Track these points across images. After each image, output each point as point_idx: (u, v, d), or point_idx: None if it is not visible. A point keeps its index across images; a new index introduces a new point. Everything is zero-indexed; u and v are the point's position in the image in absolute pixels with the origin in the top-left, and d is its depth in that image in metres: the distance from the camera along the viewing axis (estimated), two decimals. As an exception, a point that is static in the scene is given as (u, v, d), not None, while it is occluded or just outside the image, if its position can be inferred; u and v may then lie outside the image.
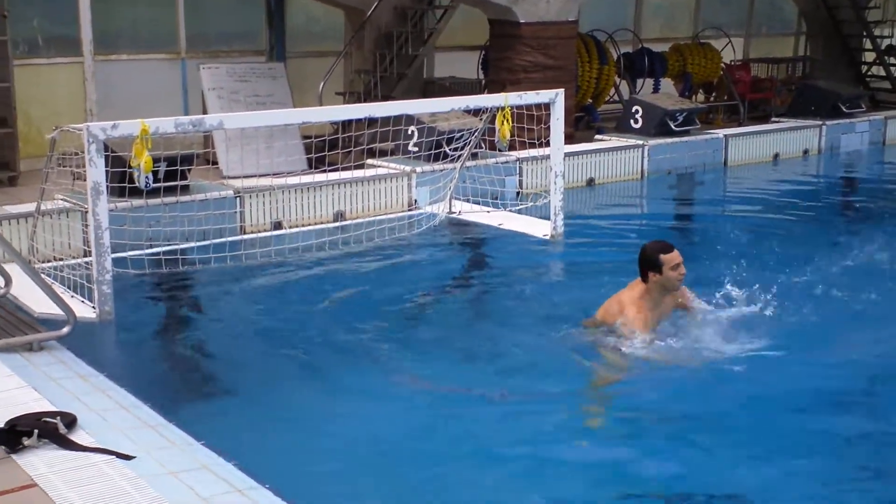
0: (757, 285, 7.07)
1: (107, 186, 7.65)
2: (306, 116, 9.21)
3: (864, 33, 19.07)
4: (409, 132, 11.10)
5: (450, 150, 10.58)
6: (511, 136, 9.14)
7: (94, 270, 6.83)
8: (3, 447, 4.41)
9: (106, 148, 8.06)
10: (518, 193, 11.18)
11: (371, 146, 10.53)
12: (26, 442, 4.43)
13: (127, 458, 4.39)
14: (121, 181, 8.41)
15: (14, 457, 4.36)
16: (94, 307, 6.85)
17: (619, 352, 6.29)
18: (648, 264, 6.47)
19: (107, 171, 7.82)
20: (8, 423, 4.54)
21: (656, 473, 5.01)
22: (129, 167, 7.44)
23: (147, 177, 7.39)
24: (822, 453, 5.28)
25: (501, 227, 9.88)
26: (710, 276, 7.73)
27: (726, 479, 4.96)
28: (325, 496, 4.54)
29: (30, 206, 8.28)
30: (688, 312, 6.80)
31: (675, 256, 6.45)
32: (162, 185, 8.67)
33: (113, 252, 7.77)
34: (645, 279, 6.50)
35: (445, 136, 10.75)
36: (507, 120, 8.89)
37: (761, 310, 6.86)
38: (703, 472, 5.03)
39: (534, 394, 5.93)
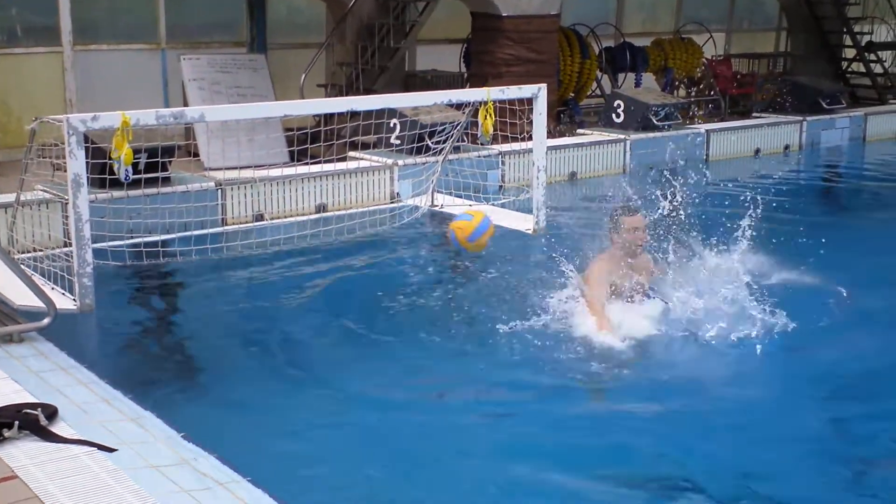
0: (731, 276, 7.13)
1: (87, 178, 7.61)
2: (288, 109, 9.14)
3: (845, 29, 19.16)
4: (392, 125, 11.09)
5: (432, 143, 10.56)
6: (494, 131, 9.13)
7: (75, 262, 6.77)
8: (-17, 439, 4.38)
9: (86, 139, 8.02)
10: (500, 187, 11.18)
11: (353, 139, 10.50)
12: (6, 433, 4.40)
13: (108, 450, 4.36)
14: (101, 173, 8.35)
15: (-6, 449, 4.33)
16: (74, 299, 6.80)
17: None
18: (611, 224, 6.59)
19: (87, 163, 7.78)
20: (-12, 414, 4.51)
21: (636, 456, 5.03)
22: (110, 159, 7.38)
23: (127, 169, 7.33)
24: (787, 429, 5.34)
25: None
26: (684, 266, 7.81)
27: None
28: (306, 488, 4.52)
29: (9, 197, 8.21)
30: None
31: (634, 220, 6.51)
32: (143, 176, 8.61)
33: (93, 243, 7.74)
34: (611, 241, 6.60)
35: (428, 130, 10.74)
36: (490, 115, 8.87)
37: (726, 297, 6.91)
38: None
39: (518, 387, 5.94)
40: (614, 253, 6.56)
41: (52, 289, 6.80)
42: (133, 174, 8.43)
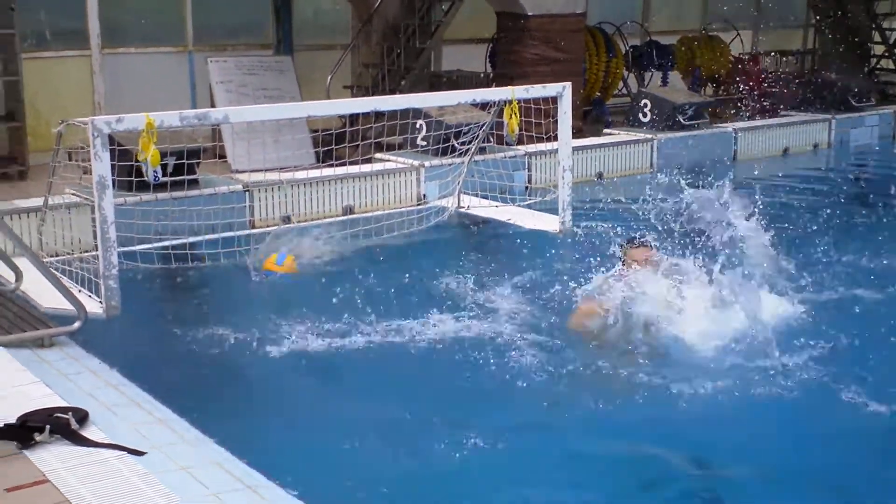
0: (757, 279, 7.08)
1: (114, 180, 7.66)
2: (310, 110, 9.17)
3: (873, 26, 18.98)
4: (418, 126, 11.08)
5: (458, 144, 10.55)
6: (519, 130, 9.11)
7: (101, 265, 6.81)
8: (15, 443, 4.42)
9: (113, 142, 8.08)
10: (527, 188, 11.15)
11: (379, 140, 10.51)
12: (38, 437, 4.44)
13: (138, 453, 4.39)
14: (129, 175, 8.39)
15: (26, 452, 4.37)
16: (100, 302, 6.85)
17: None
18: (621, 253, 6.72)
19: (114, 165, 7.82)
20: (20, 418, 4.55)
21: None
22: (137, 161, 7.42)
23: (155, 170, 7.38)
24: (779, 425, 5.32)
25: (510, 221, 9.85)
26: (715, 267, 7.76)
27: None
28: (335, 494, 4.52)
29: (39, 201, 8.28)
30: None
31: (636, 253, 6.63)
32: (170, 179, 8.65)
33: (121, 246, 7.79)
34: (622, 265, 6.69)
35: (454, 130, 10.72)
36: (515, 114, 8.85)
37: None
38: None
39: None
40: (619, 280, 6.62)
41: (79, 291, 6.86)
42: (161, 176, 8.48)
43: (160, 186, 8.61)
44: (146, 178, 8.21)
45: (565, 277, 7.27)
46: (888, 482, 4.87)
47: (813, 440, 5.28)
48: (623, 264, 6.69)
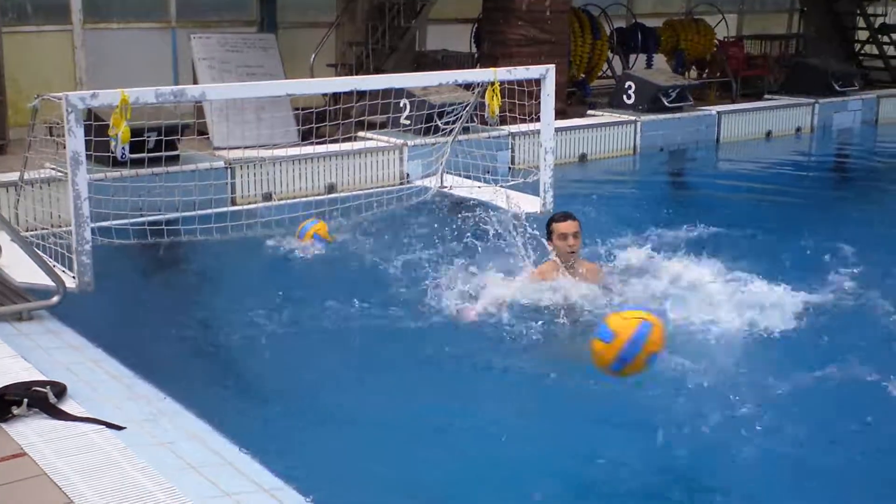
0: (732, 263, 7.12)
1: (94, 155, 7.60)
2: (291, 88, 9.10)
3: (858, 11, 19.03)
4: (401, 105, 11.06)
5: (442, 123, 10.53)
6: (501, 112, 9.09)
7: (74, 240, 6.74)
8: (-7, 416, 4.40)
9: (95, 117, 8.04)
10: (510, 168, 11.14)
11: (362, 119, 10.49)
12: (16, 411, 4.42)
13: (117, 428, 4.38)
14: (108, 150, 8.33)
15: (3, 425, 4.35)
16: (73, 277, 6.81)
17: None
18: (546, 231, 6.58)
19: (95, 140, 7.78)
20: (-3, 391, 4.53)
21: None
22: (107, 136, 7.36)
23: (124, 147, 7.30)
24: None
25: (491, 202, 9.84)
26: (698, 251, 7.78)
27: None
28: (315, 468, 4.53)
29: (17, 175, 8.21)
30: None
31: (565, 226, 6.46)
32: (151, 154, 8.61)
33: (100, 221, 7.75)
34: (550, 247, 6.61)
35: (437, 110, 10.70)
36: (497, 95, 8.82)
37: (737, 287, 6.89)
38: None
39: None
40: (555, 259, 6.55)
41: (53, 266, 6.81)
42: (142, 152, 8.43)
43: (140, 162, 8.55)
44: (115, 154, 8.14)
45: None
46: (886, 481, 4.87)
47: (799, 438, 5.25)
48: (550, 241, 6.54)
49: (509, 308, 6.41)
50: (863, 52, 19.29)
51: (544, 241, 6.71)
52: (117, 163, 8.50)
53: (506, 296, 6.50)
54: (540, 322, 6.25)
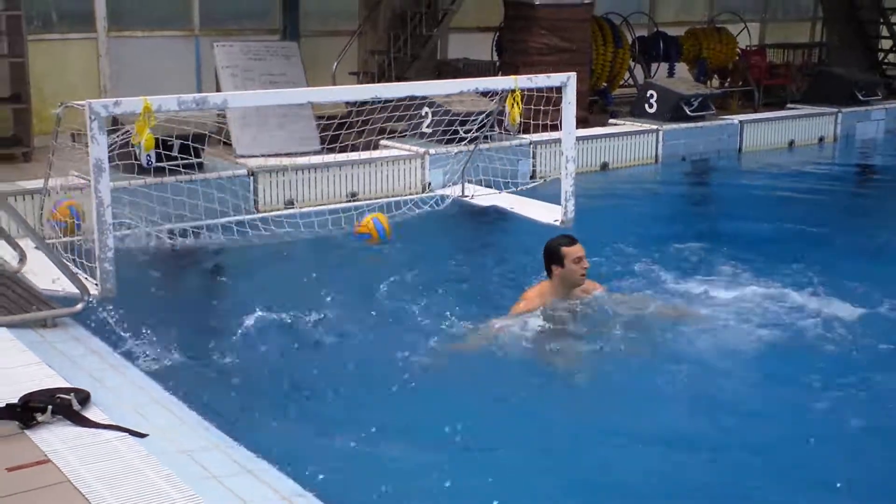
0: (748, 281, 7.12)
1: (120, 164, 7.67)
2: (312, 96, 9.14)
3: (881, 20, 18.92)
4: (423, 113, 11.08)
5: (463, 132, 10.55)
6: (522, 119, 9.09)
7: (97, 247, 6.80)
8: (17, 423, 4.43)
9: (119, 124, 8.09)
10: (531, 177, 11.14)
11: (384, 127, 10.51)
12: (40, 418, 4.46)
13: (140, 435, 4.41)
14: (135, 159, 8.41)
15: (28, 432, 4.39)
16: (96, 283, 6.86)
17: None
18: (551, 258, 6.45)
19: (120, 150, 7.84)
20: (22, 398, 4.57)
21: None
22: (132, 145, 7.41)
23: (148, 155, 7.35)
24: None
25: (512, 210, 9.85)
26: (718, 262, 7.76)
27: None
28: (336, 479, 4.53)
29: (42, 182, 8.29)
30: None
31: (576, 250, 6.41)
32: (174, 163, 8.66)
33: (125, 229, 7.81)
34: (549, 274, 6.49)
35: (459, 119, 10.72)
36: (518, 103, 8.83)
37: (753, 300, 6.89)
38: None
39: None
40: (553, 283, 6.50)
41: (77, 273, 6.87)
42: (167, 160, 8.49)
43: (161, 171, 8.60)
44: (140, 162, 8.19)
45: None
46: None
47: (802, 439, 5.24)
48: (559, 266, 6.44)
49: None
50: (886, 60, 19.17)
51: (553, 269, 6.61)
52: (140, 170, 8.56)
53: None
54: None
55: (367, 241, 8.75)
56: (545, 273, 6.59)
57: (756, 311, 6.71)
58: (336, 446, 4.92)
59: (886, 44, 19.13)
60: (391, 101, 9.66)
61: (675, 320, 6.60)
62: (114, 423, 4.50)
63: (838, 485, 4.69)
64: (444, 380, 5.92)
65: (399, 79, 13.17)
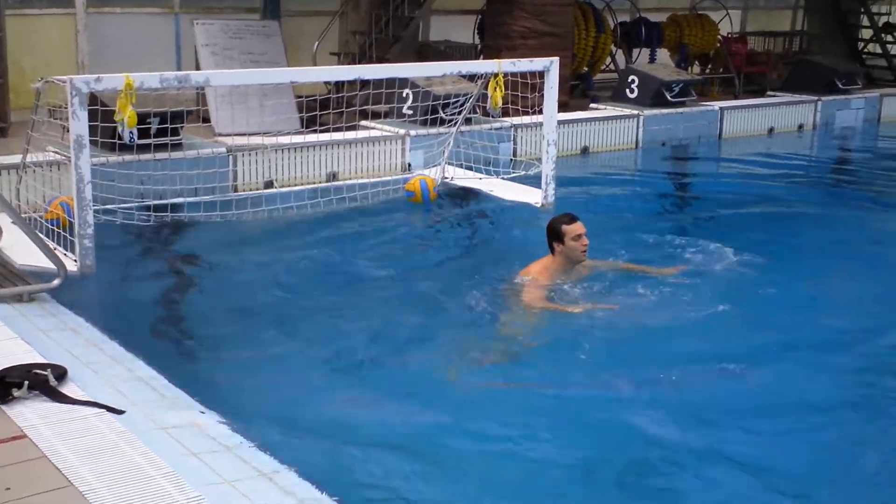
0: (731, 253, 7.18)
1: (97, 140, 7.61)
2: (293, 76, 9.11)
3: (862, 10, 19.00)
4: (405, 95, 11.04)
5: (445, 114, 10.52)
6: (504, 104, 9.09)
7: (76, 224, 6.77)
8: (-7, 398, 4.40)
9: (98, 102, 8.02)
10: (512, 160, 11.14)
11: (365, 108, 10.47)
12: (16, 393, 4.42)
13: (117, 412, 4.37)
14: (112, 136, 8.34)
15: (4, 408, 4.35)
16: (75, 260, 6.82)
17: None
18: (552, 235, 6.64)
19: (98, 126, 7.77)
20: (-3, 373, 4.52)
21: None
22: (113, 121, 7.35)
23: (131, 132, 7.30)
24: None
25: (492, 193, 9.85)
26: (695, 245, 7.79)
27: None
28: (317, 456, 4.53)
29: (20, 157, 8.20)
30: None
31: (577, 227, 6.59)
32: (153, 140, 8.60)
33: (102, 205, 7.75)
34: (552, 250, 6.65)
35: (441, 101, 10.69)
36: (500, 87, 8.82)
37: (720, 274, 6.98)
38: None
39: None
40: (556, 259, 6.61)
41: (54, 249, 6.82)
42: (137, 139, 8.41)
43: (143, 148, 8.54)
44: (122, 139, 8.13)
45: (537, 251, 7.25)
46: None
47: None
48: (560, 244, 6.58)
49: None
50: (866, 50, 19.26)
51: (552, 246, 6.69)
52: (120, 148, 8.49)
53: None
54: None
55: (411, 198, 9.47)
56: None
57: (728, 293, 6.75)
58: (318, 423, 4.92)
59: (867, 33, 19.22)
60: (371, 81, 9.62)
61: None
62: (91, 399, 4.46)
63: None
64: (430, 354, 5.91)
65: (380, 60, 13.11)
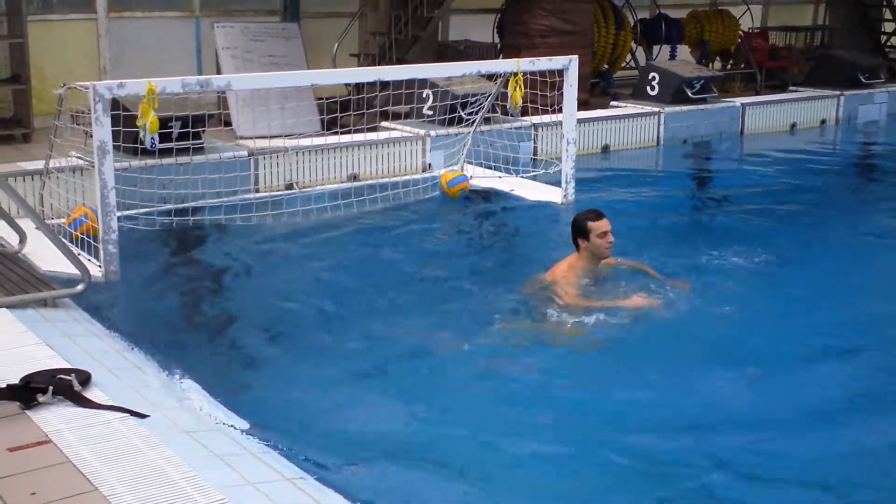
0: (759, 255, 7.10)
1: (119, 145, 7.65)
2: (314, 79, 9.13)
3: (885, 3, 18.84)
4: (424, 95, 11.04)
5: (465, 114, 10.52)
6: (523, 103, 9.08)
7: (101, 229, 6.82)
8: (18, 403, 4.43)
9: (119, 106, 8.07)
10: (532, 159, 11.12)
11: (385, 109, 10.48)
12: (41, 398, 4.45)
13: (141, 416, 4.40)
14: (134, 141, 8.38)
15: (29, 413, 4.38)
16: (99, 266, 6.86)
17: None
18: (578, 231, 6.62)
19: (120, 131, 7.81)
20: (23, 379, 4.56)
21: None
22: (135, 126, 7.40)
23: (153, 137, 7.36)
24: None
25: (513, 192, 9.84)
26: (718, 245, 7.75)
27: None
28: (342, 460, 4.54)
29: (42, 163, 8.26)
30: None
31: (602, 224, 6.54)
32: (175, 145, 8.64)
33: (125, 210, 7.79)
34: (577, 247, 6.64)
35: (460, 100, 10.68)
36: (520, 86, 8.81)
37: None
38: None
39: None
40: (581, 256, 6.61)
41: (79, 255, 6.87)
42: (159, 143, 8.45)
43: (165, 152, 8.59)
44: (144, 144, 8.19)
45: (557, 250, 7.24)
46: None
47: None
48: (584, 240, 6.56)
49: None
50: (889, 43, 19.10)
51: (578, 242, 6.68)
52: (142, 152, 8.54)
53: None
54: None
55: (460, 185, 9.75)
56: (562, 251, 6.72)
57: (751, 291, 6.72)
58: (343, 429, 4.93)
59: (890, 27, 19.06)
60: (392, 82, 9.62)
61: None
62: (115, 404, 4.49)
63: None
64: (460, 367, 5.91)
65: (400, 60, 13.13)
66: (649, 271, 7.02)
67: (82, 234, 7.38)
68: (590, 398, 5.38)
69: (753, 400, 5.35)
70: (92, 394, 4.60)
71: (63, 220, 7.68)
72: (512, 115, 10.50)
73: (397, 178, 10.00)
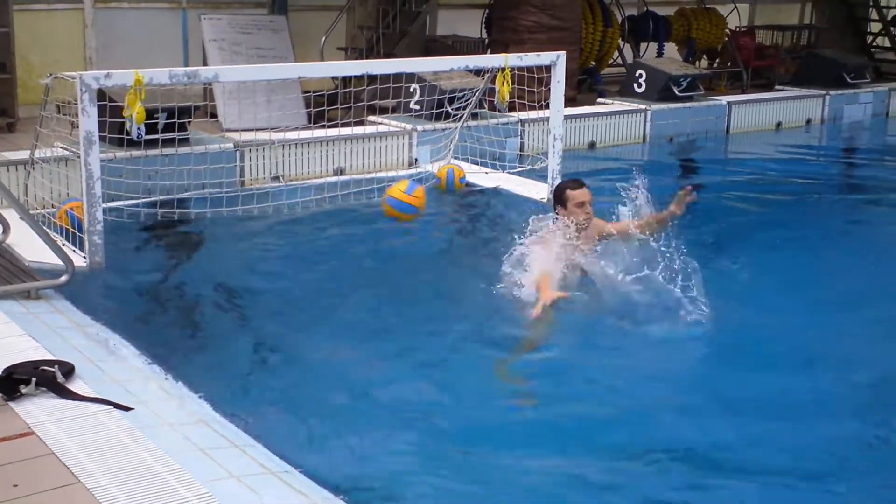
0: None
1: (104, 136, 7.62)
2: (302, 72, 9.10)
3: (871, 3, 18.92)
4: (412, 90, 11.03)
5: (452, 109, 10.51)
6: (511, 98, 9.08)
7: (86, 220, 6.80)
8: (1, 394, 4.41)
9: (105, 97, 8.03)
10: (519, 155, 11.12)
11: (372, 103, 10.46)
12: (24, 390, 4.43)
13: (125, 408, 4.39)
14: (120, 132, 8.35)
15: (11, 404, 4.37)
16: (84, 256, 6.84)
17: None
18: (557, 199, 6.60)
19: (106, 122, 7.78)
20: (5, 370, 4.54)
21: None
22: (122, 117, 7.37)
23: (139, 128, 7.34)
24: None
25: (499, 188, 9.85)
26: (703, 243, 7.77)
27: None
28: (325, 455, 4.54)
29: (27, 153, 8.21)
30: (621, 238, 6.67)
31: (580, 194, 6.47)
32: (160, 136, 8.61)
33: (110, 201, 7.75)
34: (558, 215, 6.58)
35: (448, 95, 10.68)
36: (507, 81, 8.82)
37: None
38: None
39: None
40: (559, 226, 6.52)
41: (63, 245, 6.84)
42: (145, 134, 8.42)
43: (150, 143, 8.56)
44: (130, 135, 8.16)
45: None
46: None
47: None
48: (563, 208, 6.48)
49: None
50: (875, 44, 19.18)
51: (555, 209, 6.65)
52: (128, 143, 8.50)
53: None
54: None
55: (437, 185, 9.52)
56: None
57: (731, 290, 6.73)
58: (328, 421, 4.92)
59: (876, 27, 19.15)
60: (379, 76, 9.60)
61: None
62: (98, 396, 4.48)
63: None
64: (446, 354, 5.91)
65: (388, 55, 13.10)
66: (642, 225, 6.68)
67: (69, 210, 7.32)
68: (581, 396, 5.40)
69: (746, 397, 5.38)
70: (75, 386, 4.58)
71: (48, 210, 7.64)
72: (499, 111, 10.50)
73: (384, 173, 9.99)
